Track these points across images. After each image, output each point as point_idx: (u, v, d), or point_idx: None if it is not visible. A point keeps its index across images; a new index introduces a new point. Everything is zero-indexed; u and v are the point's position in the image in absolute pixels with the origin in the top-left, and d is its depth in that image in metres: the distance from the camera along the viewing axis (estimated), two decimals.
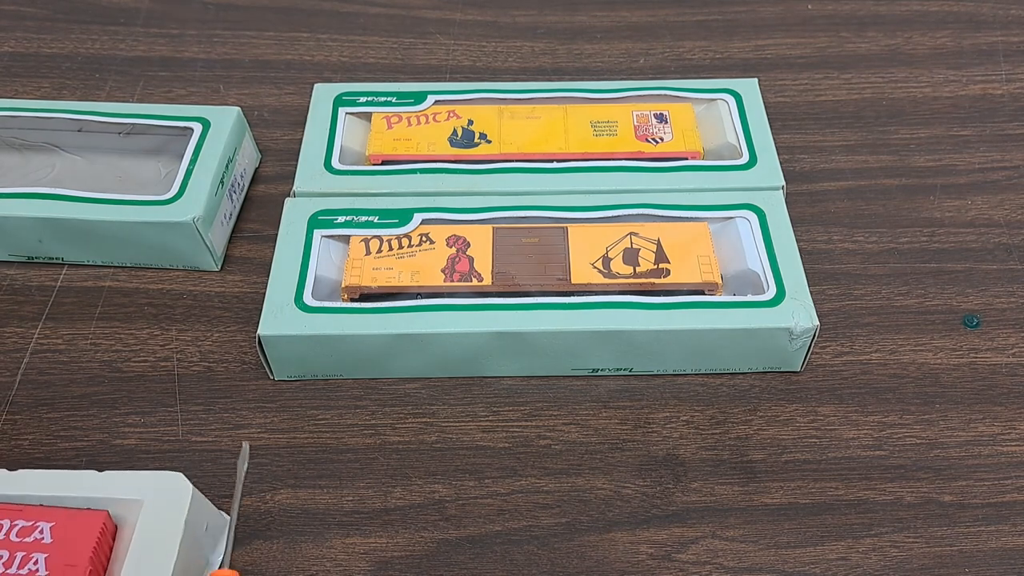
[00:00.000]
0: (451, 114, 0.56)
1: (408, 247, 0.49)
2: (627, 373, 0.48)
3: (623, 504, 0.44)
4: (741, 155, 0.53)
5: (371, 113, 0.56)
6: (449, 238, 0.50)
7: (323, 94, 0.57)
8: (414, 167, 0.53)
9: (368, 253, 0.49)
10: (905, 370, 0.48)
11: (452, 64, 0.65)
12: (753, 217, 0.50)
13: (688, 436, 0.46)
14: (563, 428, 0.46)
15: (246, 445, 0.42)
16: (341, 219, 0.50)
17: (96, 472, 0.39)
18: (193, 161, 0.52)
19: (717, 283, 0.48)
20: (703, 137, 0.55)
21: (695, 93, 0.57)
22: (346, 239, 0.50)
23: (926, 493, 0.44)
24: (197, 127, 0.54)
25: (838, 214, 0.55)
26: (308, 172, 0.52)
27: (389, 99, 0.56)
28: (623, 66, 0.65)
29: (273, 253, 0.49)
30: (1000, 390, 0.48)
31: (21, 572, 0.36)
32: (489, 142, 0.54)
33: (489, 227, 0.50)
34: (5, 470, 0.39)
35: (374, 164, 0.54)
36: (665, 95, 0.57)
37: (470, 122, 0.55)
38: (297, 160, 0.53)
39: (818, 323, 0.46)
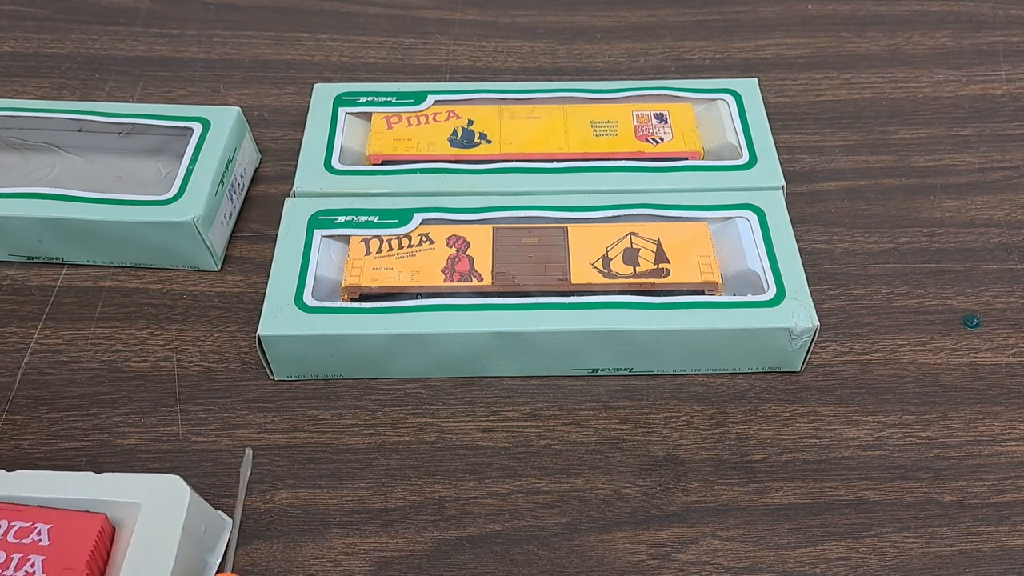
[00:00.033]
0: (451, 114, 0.56)
1: (408, 247, 0.49)
2: (627, 373, 0.48)
3: (623, 504, 0.44)
4: (741, 155, 0.53)
5: (371, 113, 0.56)
6: (449, 238, 0.50)
7: (323, 94, 0.57)
8: (414, 167, 0.53)
9: (368, 253, 0.49)
10: (905, 370, 0.48)
11: (452, 64, 0.65)
12: (753, 217, 0.50)
13: (688, 436, 0.46)
14: (563, 428, 0.46)
15: (249, 451, 0.42)
16: (341, 219, 0.50)
17: (94, 474, 0.39)
18: (193, 161, 0.52)
19: (717, 283, 0.48)
20: (703, 137, 0.55)
21: (695, 93, 0.57)
22: (346, 239, 0.50)
23: (926, 493, 0.44)
24: (197, 127, 0.54)
25: (838, 214, 0.55)
26: (308, 172, 0.52)
27: (389, 99, 0.56)
28: (623, 66, 0.65)
29: (273, 253, 0.49)
30: (1000, 390, 0.48)
31: (18, 574, 0.36)
32: (489, 142, 0.54)
33: (489, 227, 0.50)
34: (3, 471, 0.39)
35: (374, 164, 0.54)
36: (665, 95, 0.57)
37: (470, 122, 0.55)
38: (297, 160, 0.53)
39: (818, 323, 0.46)
